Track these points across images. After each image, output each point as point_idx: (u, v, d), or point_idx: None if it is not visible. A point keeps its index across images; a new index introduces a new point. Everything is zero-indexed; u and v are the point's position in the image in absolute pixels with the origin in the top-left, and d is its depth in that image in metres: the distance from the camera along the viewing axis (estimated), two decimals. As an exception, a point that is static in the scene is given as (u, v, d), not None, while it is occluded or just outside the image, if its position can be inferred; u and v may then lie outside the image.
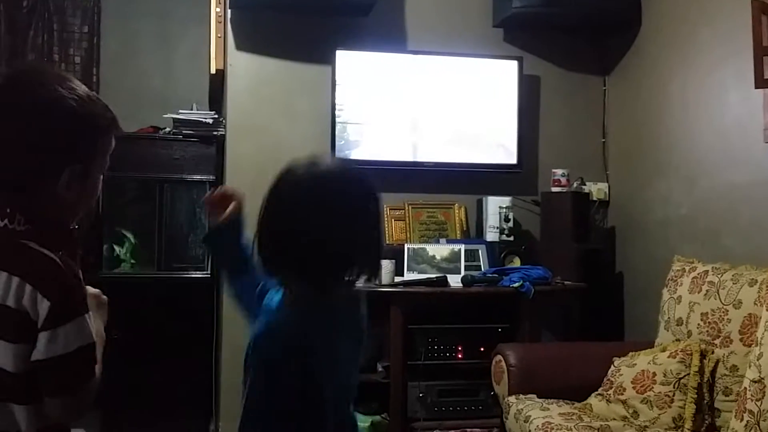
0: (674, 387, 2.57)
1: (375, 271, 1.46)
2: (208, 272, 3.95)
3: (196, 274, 3.95)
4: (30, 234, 1.24)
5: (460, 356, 3.42)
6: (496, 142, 3.91)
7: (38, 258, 1.22)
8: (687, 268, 2.91)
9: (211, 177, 3.95)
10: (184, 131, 3.90)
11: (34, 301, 1.19)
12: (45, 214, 1.27)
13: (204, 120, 3.91)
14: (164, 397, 3.76)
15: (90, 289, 1.38)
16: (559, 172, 3.79)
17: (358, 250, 1.40)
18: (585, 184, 3.90)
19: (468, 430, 3.32)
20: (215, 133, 3.90)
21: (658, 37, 3.73)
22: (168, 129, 3.97)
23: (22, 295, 1.19)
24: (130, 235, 3.96)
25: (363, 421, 3.31)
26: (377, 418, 3.35)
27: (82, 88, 1.32)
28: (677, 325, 2.83)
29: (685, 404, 2.54)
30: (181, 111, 3.96)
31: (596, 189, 4.03)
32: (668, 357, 2.66)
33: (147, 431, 3.74)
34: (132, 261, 3.94)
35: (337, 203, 1.37)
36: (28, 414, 1.22)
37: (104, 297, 1.43)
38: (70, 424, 1.32)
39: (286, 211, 1.37)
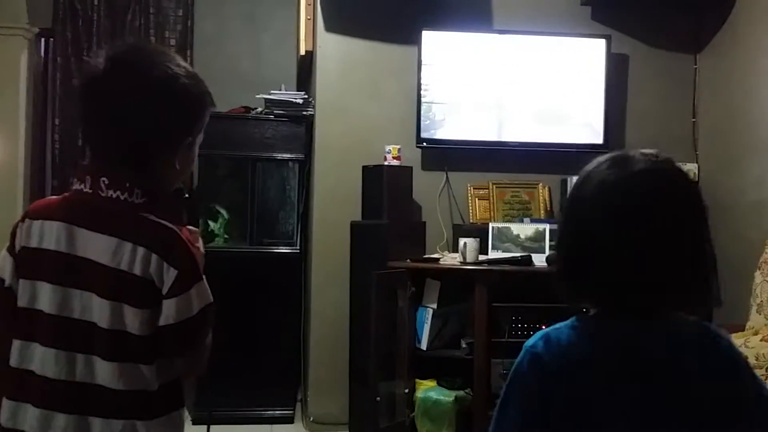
0: (767, 371, 2.55)
1: (703, 296, 1.16)
2: (297, 248, 4.08)
3: (285, 249, 4.09)
4: (148, 206, 1.32)
5: (543, 335, 3.44)
6: (582, 122, 3.89)
7: (160, 229, 1.31)
8: (781, 251, 2.86)
9: (301, 156, 4.07)
10: (275, 111, 4.02)
11: (161, 270, 1.28)
12: (158, 186, 1.35)
13: (294, 100, 4.02)
14: (254, 366, 3.93)
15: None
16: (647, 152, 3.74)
17: (678, 267, 1.13)
18: (674, 165, 3.84)
19: (551, 407, 3.35)
20: (305, 113, 4.01)
21: (753, 13, 3.62)
22: (259, 109, 4.10)
23: (149, 264, 1.27)
24: (223, 211, 4.12)
25: (446, 396, 3.39)
26: (461, 393, 3.41)
27: (186, 64, 1.40)
28: (770, 308, 2.79)
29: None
30: (272, 91, 4.07)
31: (685, 170, 3.95)
32: (760, 340, 2.63)
33: (238, 399, 3.91)
34: (225, 236, 4.12)
35: (649, 207, 1.12)
36: (153, 373, 1.32)
37: (202, 249, 1.48)
38: (195, 375, 1.42)
39: (588, 218, 1.15)
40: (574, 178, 3.70)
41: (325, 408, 3.80)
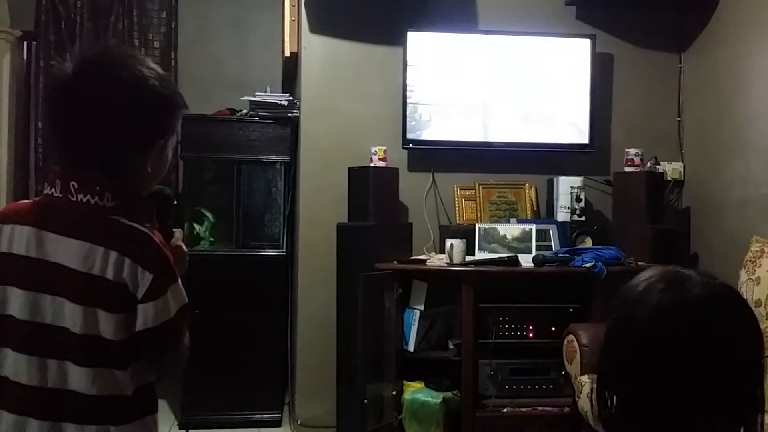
0: (752, 369, 2.55)
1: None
2: (284, 250, 4.07)
3: (271, 251, 4.07)
4: (118, 209, 1.31)
5: (531, 335, 3.44)
6: (567, 122, 3.89)
7: (132, 232, 1.30)
8: (766, 249, 2.87)
9: (286, 158, 4.05)
10: (260, 113, 4.00)
11: (135, 274, 1.27)
12: (129, 190, 1.34)
13: (279, 102, 4.00)
14: (241, 369, 3.91)
15: (176, 237, 1.47)
16: (633, 151, 3.75)
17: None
18: (659, 164, 3.86)
19: (539, 408, 3.36)
20: (290, 114, 4.00)
21: (737, 13, 3.64)
22: (244, 111, 4.08)
23: (122, 268, 1.26)
24: (209, 214, 4.10)
25: (434, 397, 3.38)
26: (449, 394, 3.41)
27: (157, 68, 1.39)
28: (756, 306, 2.79)
29: (763, 386, 2.50)
30: (257, 93, 4.06)
31: (671, 169, 3.98)
32: (746, 339, 2.63)
33: (225, 402, 3.89)
34: (211, 239, 4.09)
35: (710, 338, 1.07)
36: (127, 377, 1.31)
37: (185, 248, 1.50)
38: (174, 376, 1.42)
39: (641, 343, 1.09)
40: (561, 178, 3.72)
41: (313, 411, 3.78)
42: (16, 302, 1.30)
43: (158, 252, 1.30)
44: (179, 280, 1.34)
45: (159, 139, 1.37)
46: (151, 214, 1.37)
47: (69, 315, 1.27)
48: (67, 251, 1.28)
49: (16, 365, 1.30)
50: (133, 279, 1.27)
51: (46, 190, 1.34)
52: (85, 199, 1.30)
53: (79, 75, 1.32)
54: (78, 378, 1.27)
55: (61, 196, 1.31)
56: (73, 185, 1.30)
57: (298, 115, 3.95)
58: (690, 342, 1.06)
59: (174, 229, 1.46)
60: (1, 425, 1.30)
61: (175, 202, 1.54)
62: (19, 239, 1.32)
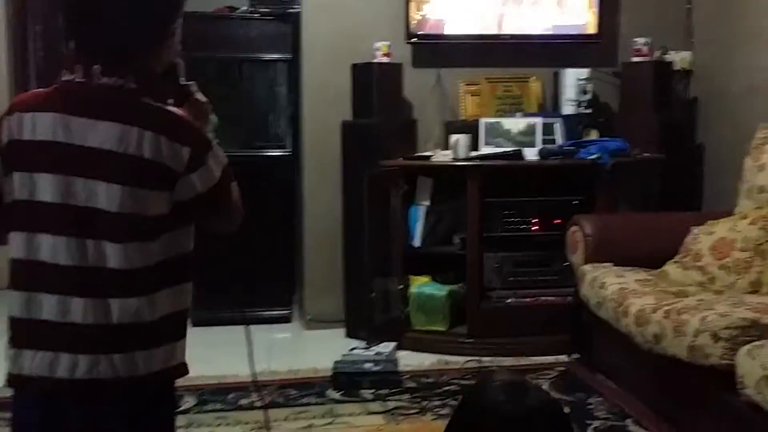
0: (754, 253, 2.58)
1: None
2: (289, 150, 4.05)
3: (277, 151, 4.06)
4: (143, 92, 1.35)
5: (535, 228, 3.47)
6: (574, 11, 3.78)
7: (161, 112, 1.34)
8: (773, 137, 2.85)
9: (288, 56, 3.98)
10: (260, 9, 3.90)
11: (173, 151, 1.31)
12: (148, 72, 1.38)
13: (279, -3, 3.90)
14: (251, 269, 3.96)
15: (194, 91, 1.53)
16: (641, 41, 3.67)
17: None
18: (668, 53, 3.78)
19: (542, 298, 3.42)
20: (291, 10, 3.90)
21: None
22: (244, 8, 3.98)
23: (159, 147, 1.30)
24: (212, 116, 4.06)
25: (440, 290, 3.45)
26: (454, 287, 3.48)
27: None
28: (759, 192, 2.80)
29: (763, 269, 2.54)
30: (257, -12, 3.95)
31: (679, 58, 3.89)
32: (749, 224, 2.65)
33: (233, 301, 3.96)
34: (216, 141, 4.07)
35: None
36: (157, 248, 1.36)
37: (203, 98, 1.57)
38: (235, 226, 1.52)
39: None
40: (567, 71, 3.64)
41: (322, 307, 3.87)
42: (47, 188, 1.33)
43: (190, 126, 1.36)
44: (214, 144, 1.41)
45: (171, 24, 1.41)
46: (167, 93, 1.42)
47: (104, 195, 1.31)
48: (98, 134, 1.31)
49: (54, 248, 1.33)
50: (171, 156, 1.31)
51: (65, 77, 1.36)
52: (111, 82, 1.33)
53: None
54: (115, 255, 1.32)
55: (83, 80, 1.34)
56: (97, 69, 1.33)
57: (299, 10, 3.86)
58: None
59: (186, 83, 1.52)
60: (44, 307, 1.34)
61: (179, 61, 1.56)
62: (42, 126, 1.34)
